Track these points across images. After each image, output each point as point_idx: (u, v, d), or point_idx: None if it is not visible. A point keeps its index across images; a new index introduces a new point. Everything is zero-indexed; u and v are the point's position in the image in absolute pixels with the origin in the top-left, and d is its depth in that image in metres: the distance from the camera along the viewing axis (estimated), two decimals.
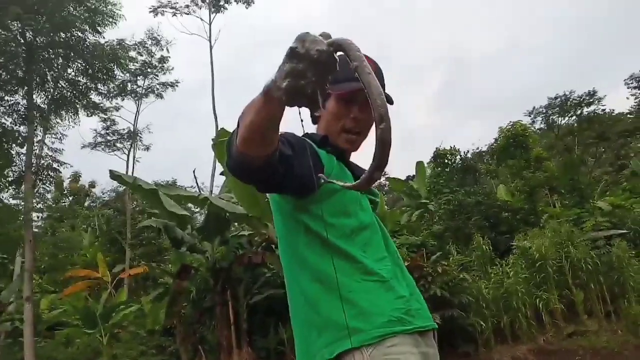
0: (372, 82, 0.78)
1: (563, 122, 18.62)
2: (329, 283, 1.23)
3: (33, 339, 7.73)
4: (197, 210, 14.88)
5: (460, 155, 14.76)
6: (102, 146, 18.98)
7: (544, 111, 18.41)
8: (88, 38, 9.61)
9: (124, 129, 19.44)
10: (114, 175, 7.29)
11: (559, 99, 17.75)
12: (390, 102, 1.41)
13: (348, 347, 1.16)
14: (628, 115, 19.14)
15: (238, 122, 1.05)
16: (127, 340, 9.92)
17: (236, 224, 8.95)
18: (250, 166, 1.08)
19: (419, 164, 15.58)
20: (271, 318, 8.60)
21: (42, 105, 9.60)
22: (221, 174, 8.09)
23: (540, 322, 9.90)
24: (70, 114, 10.02)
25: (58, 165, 10.34)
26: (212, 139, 6.43)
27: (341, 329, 1.17)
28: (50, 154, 10.45)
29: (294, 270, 1.35)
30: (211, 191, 15.03)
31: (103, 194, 29.05)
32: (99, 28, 9.54)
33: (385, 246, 1.36)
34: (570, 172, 12.96)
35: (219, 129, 6.46)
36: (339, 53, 0.81)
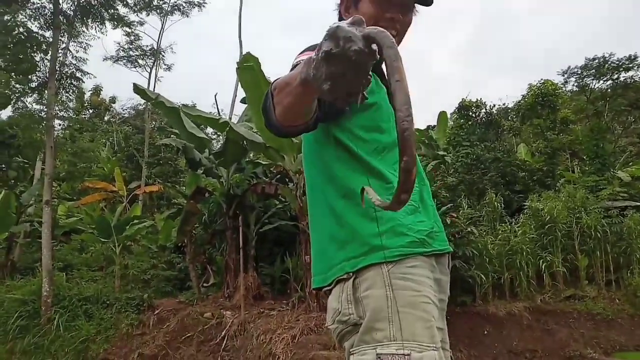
0: (402, 96, 0.74)
1: (597, 85, 17.92)
2: (356, 199, 1.21)
3: (51, 240, 8.04)
4: (214, 137, 14.93)
5: (486, 109, 14.41)
6: (124, 61, 18.76)
7: (579, 72, 17.64)
8: None
9: (147, 46, 19.15)
10: (137, 88, 7.25)
11: (596, 61, 16.95)
12: (429, 3, 1.38)
13: (371, 262, 1.16)
14: None
15: (273, 92, 1.04)
16: (138, 253, 10.33)
17: (252, 154, 8.96)
18: (292, 132, 1.12)
19: (442, 114, 15.27)
20: (279, 248, 8.84)
21: (68, 12, 9.40)
22: (242, 101, 8.02)
23: (540, 283, 10.06)
24: (97, 23, 9.83)
25: (81, 75, 10.29)
26: (237, 63, 6.30)
27: (365, 244, 1.18)
28: (74, 62, 10.37)
29: (320, 184, 1.32)
30: (230, 118, 14.98)
31: (123, 110, 29.19)
32: None
33: None
34: (595, 138, 12.64)
35: (244, 53, 6.31)
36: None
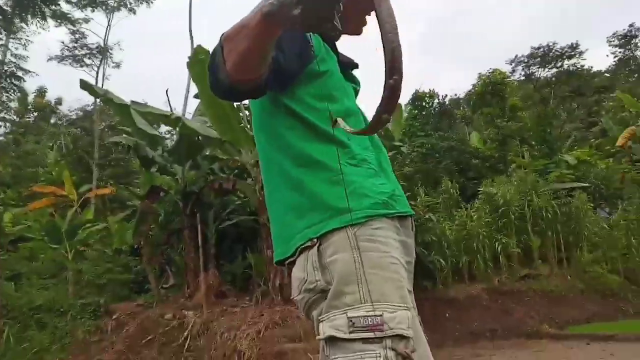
0: (386, 7, 0.71)
1: (543, 74, 18.69)
2: (315, 166, 1.19)
3: None
4: (168, 136, 14.55)
5: (438, 99, 14.73)
6: (70, 60, 17.94)
7: (526, 60, 18.35)
8: None
9: (93, 44, 18.38)
10: (84, 84, 6.94)
11: (541, 49, 17.68)
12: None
13: (335, 226, 1.12)
14: (605, 74, 19.32)
15: (223, 43, 0.99)
16: (92, 258, 9.93)
17: (208, 149, 8.78)
18: (241, 91, 1.06)
19: (396, 106, 15.46)
20: (240, 244, 8.71)
21: (4, 7, 8.89)
22: (195, 96, 7.83)
23: (496, 264, 10.39)
24: (38, 19, 9.34)
25: (23, 73, 9.76)
26: (188, 57, 6.13)
27: (327, 210, 1.15)
28: (14, 60, 9.82)
29: (275, 156, 1.28)
30: (184, 114, 14.62)
31: (70, 112, 27.97)
32: None
33: (369, 137, 1.30)
34: (542, 125, 13.16)
35: (195, 47, 6.15)
36: None
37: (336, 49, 1.36)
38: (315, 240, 1.14)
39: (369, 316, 1.03)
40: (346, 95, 1.32)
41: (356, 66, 1.47)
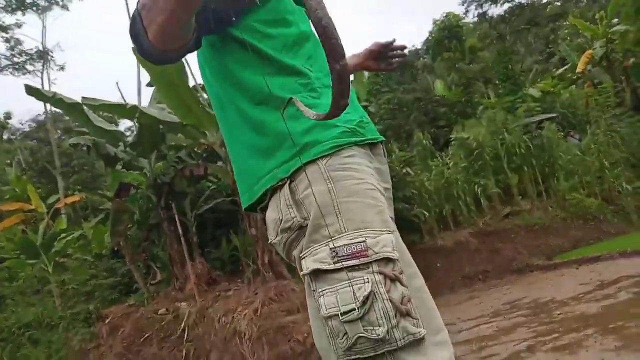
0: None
1: (496, 11, 18.67)
2: (273, 101, 1.09)
3: None
4: (128, 134, 14.10)
5: None
6: (10, 69, 17.10)
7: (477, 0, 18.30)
8: None
9: (32, 49, 17.52)
10: (30, 89, 6.55)
11: None
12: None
13: (306, 160, 1.06)
14: (556, 3, 19.41)
15: (140, 12, 0.91)
16: (74, 267, 9.66)
17: (172, 138, 8.49)
18: (171, 57, 1.01)
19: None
20: (221, 229, 8.55)
21: None
22: (148, 84, 7.50)
23: (479, 207, 10.53)
24: None
25: None
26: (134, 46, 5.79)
27: (293, 146, 1.06)
28: None
29: (229, 95, 1.18)
30: (139, 104, 14.13)
31: (22, 125, 26.89)
32: None
33: (323, 57, 1.17)
34: (503, 61, 13.17)
35: None
36: None
37: None
38: (285, 179, 1.08)
39: (351, 244, 0.98)
40: (301, 18, 1.20)
41: None
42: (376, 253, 0.97)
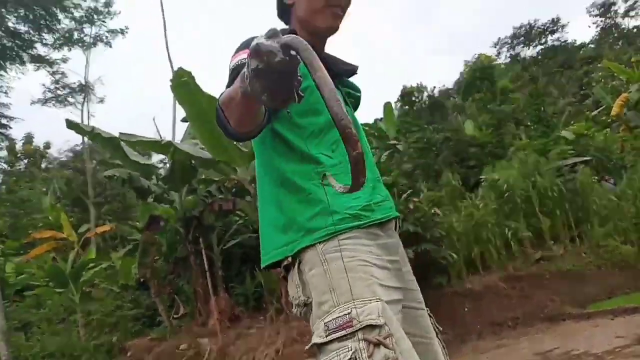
0: (328, 90, 0.82)
1: (528, 53, 18.66)
2: (290, 186, 1.30)
3: (1, 300, 7.45)
4: (160, 166, 14.44)
5: (427, 92, 14.65)
6: (53, 102, 17.85)
7: (509, 41, 18.30)
8: None
9: (74, 82, 18.29)
10: (70, 123, 6.83)
11: (523, 28, 17.64)
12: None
13: (306, 244, 1.23)
14: (590, 45, 19.28)
15: (221, 107, 1.12)
16: (100, 298, 9.77)
17: (203, 172, 8.63)
18: (251, 135, 1.21)
19: (387, 105, 15.43)
20: (247, 265, 8.54)
21: None
22: (183, 120, 7.71)
23: (509, 251, 10.21)
24: (16, 65, 9.25)
25: (7, 121, 9.65)
26: (170, 81, 6.02)
27: (301, 229, 1.26)
28: None
29: (263, 176, 1.40)
30: (173, 139, 14.47)
31: (60, 155, 27.91)
32: None
33: None
34: (535, 103, 13.04)
35: (175, 69, 6.06)
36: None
37: (326, 56, 1.45)
38: (290, 258, 1.27)
39: (339, 317, 1.13)
40: None
41: (353, 72, 1.53)
42: (360, 322, 1.10)
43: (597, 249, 10.12)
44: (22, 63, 9.64)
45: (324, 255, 1.21)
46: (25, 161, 26.18)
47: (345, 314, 1.12)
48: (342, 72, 1.47)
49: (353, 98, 1.53)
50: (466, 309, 9.38)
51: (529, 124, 13.63)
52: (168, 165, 8.60)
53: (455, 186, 11.18)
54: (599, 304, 8.82)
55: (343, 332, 1.11)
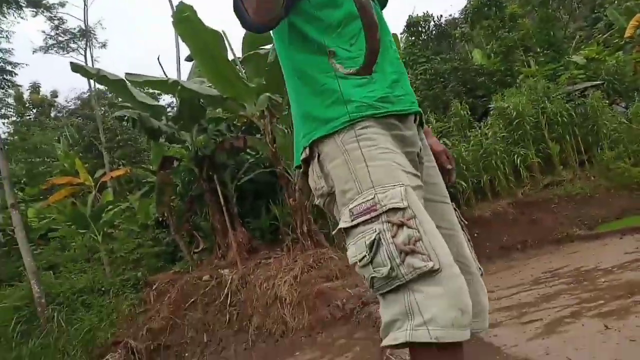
0: None
1: None
2: (305, 78, 1.32)
3: (28, 243, 7.78)
4: (168, 110, 14.42)
5: (434, 21, 14.23)
6: (55, 48, 17.63)
7: None
8: None
9: (74, 28, 17.98)
10: (75, 66, 6.82)
11: None
12: None
13: (321, 134, 1.26)
14: None
15: None
16: (121, 237, 10.13)
17: (212, 111, 8.67)
18: (269, 27, 1.23)
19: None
20: (261, 200, 8.77)
21: None
22: (187, 58, 7.65)
23: (518, 177, 10.30)
24: (13, 9, 9.11)
25: (12, 67, 9.61)
26: (172, 17, 5.92)
27: (315, 119, 1.28)
28: (0, 55, 9.65)
29: (286, 70, 1.41)
30: (179, 77, 14.39)
31: (68, 102, 27.86)
32: None
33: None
34: (545, 28, 12.67)
35: (177, 4, 5.93)
36: None
37: None
38: (307, 149, 1.31)
39: (363, 202, 1.16)
40: None
41: None
42: (384, 205, 1.13)
43: (606, 172, 10.16)
44: (19, 7, 9.48)
45: (344, 146, 1.23)
46: (34, 111, 26.25)
47: (369, 199, 1.15)
48: None
49: None
50: (476, 235, 9.60)
51: (538, 50, 13.30)
52: (176, 106, 8.63)
53: (464, 116, 11.12)
54: (608, 224, 8.97)
55: (367, 217, 1.14)
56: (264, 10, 1.12)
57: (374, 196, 1.15)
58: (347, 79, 1.25)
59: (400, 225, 1.11)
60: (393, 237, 1.11)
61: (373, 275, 1.12)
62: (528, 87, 10.95)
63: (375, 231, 1.12)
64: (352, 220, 1.17)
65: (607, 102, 11.14)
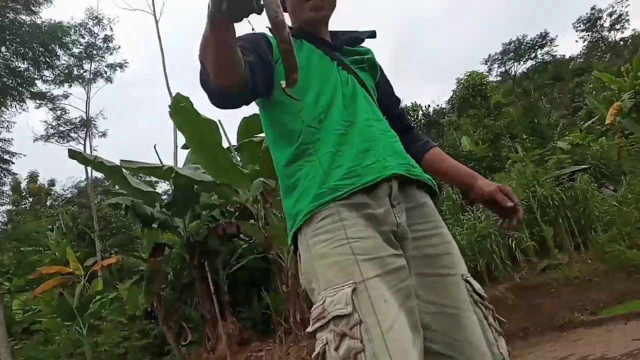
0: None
1: (519, 68, 18.98)
2: (281, 176, 1.34)
3: (7, 338, 7.43)
4: (164, 197, 14.52)
5: (422, 111, 14.86)
6: (56, 137, 18.11)
7: (500, 58, 18.59)
8: (22, 19, 9.00)
9: (76, 118, 18.64)
10: (73, 153, 6.96)
11: (512, 44, 17.96)
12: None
13: (294, 230, 1.25)
14: (579, 59, 19.62)
15: (201, 62, 1.15)
16: (107, 329, 9.72)
17: (205, 197, 8.72)
18: (232, 94, 1.19)
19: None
20: (254, 288, 8.55)
21: None
22: (183, 147, 7.85)
23: (514, 261, 10.19)
24: (17, 102, 9.47)
25: (9, 157, 9.80)
26: (169, 106, 6.16)
27: (290, 217, 1.28)
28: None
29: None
30: (176, 165, 14.60)
31: (65, 191, 28.12)
32: (33, 8, 8.94)
33: (343, 109, 1.32)
34: (529, 116, 13.23)
35: (173, 95, 6.18)
36: None
37: (326, 34, 1.48)
38: (292, 247, 1.30)
39: (317, 307, 1.12)
40: (325, 80, 1.36)
41: (359, 39, 1.52)
42: (329, 313, 1.08)
43: (602, 255, 10.09)
44: (22, 100, 9.86)
45: (307, 241, 1.20)
46: (31, 199, 26.37)
47: (320, 304, 1.11)
48: (344, 42, 1.47)
49: (365, 62, 1.50)
50: None
51: (524, 136, 13.79)
52: (170, 192, 8.71)
53: (456, 200, 11.24)
54: (610, 309, 8.74)
55: (319, 324, 1.10)
56: (221, 66, 1.11)
57: (324, 300, 1.11)
58: (312, 159, 1.24)
59: (343, 336, 1.05)
60: (335, 349, 1.05)
61: None
62: (517, 172, 11.19)
63: (323, 342, 1.09)
64: (312, 325, 1.13)
65: (596, 185, 11.34)
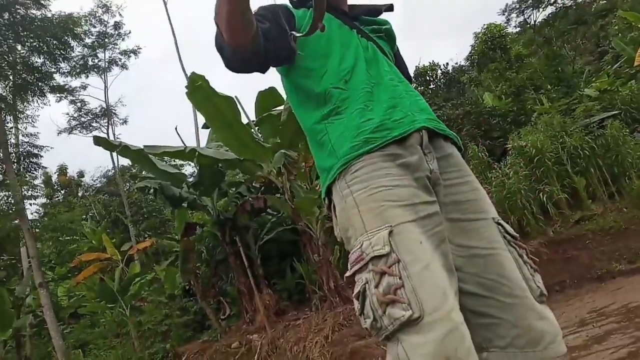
0: None
1: (539, 16, 18.19)
2: (311, 134, 1.39)
3: (56, 322, 7.78)
4: (190, 179, 14.73)
5: (441, 69, 14.51)
6: (79, 128, 18.52)
7: (518, 6, 17.84)
8: (34, 14, 9.09)
9: (96, 107, 19.04)
10: (98, 140, 7.08)
11: None
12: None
13: (327, 184, 1.30)
14: (601, 1, 18.70)
15: (216, 23, 1.16)
16: (149, 309, 10.07)
17: (230, 174, 8.80)
18: (244, 55, 1.21)
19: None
20: (286, 260, 8.68)
21: (4, 94, 9.21)
22: (203, 126, 7.90)
23: (546, 215, 10.01)
24: (38, 97, 9.66)
25: (37, 150, 10.06)
26: (186, 87, 6.16)
27: (323, 171, 1.34)
28: (26, 140, 10.16)
29: (303, 129, 1.47)
30: (198, 145, 14.79)
31: (94, 181, 28.82)
32: (42, 1, 9.00)
33: (367, 71, 1.37)
34: (553, 65, 12.76)
35: (189, 75, 6.17)
36: None
37: (344, 6, 1.51)
38: (325, 199, 1.36)
39: (355, 251, 1.17)
40: (346, 46, 1.41)
41: (378, 11, 1.58)
42: (367, 254, 1.13)
43: (638, 202, 9.83)
44: (42, 94, 10.03)
45: (342, 192, 1.25)
46: (62, 192, 27.14)
47: (358, 248, 1.16)
48: (362, 12, 1.53)
49: (382, 32, 1.55)
50: None
51: (549, 87, 13.35)
52: (196, 173, 8.81)
53: (483, 158, 11.04)
54: None
55: (358, 266, 1.15)
56: (234, 24, 1.13)
57: (362, 244, 1.15)
58: (341, 116, 1.30)
59: (382, 274, 1.10)
60: (376, 287, 1.09)
61: (365, 326, 1.13)
62: (544, 124, 10.89)
63: (363, 281, 1.13)
64: (350, 269, 1.18)
65: (627, 131, 10.97)
